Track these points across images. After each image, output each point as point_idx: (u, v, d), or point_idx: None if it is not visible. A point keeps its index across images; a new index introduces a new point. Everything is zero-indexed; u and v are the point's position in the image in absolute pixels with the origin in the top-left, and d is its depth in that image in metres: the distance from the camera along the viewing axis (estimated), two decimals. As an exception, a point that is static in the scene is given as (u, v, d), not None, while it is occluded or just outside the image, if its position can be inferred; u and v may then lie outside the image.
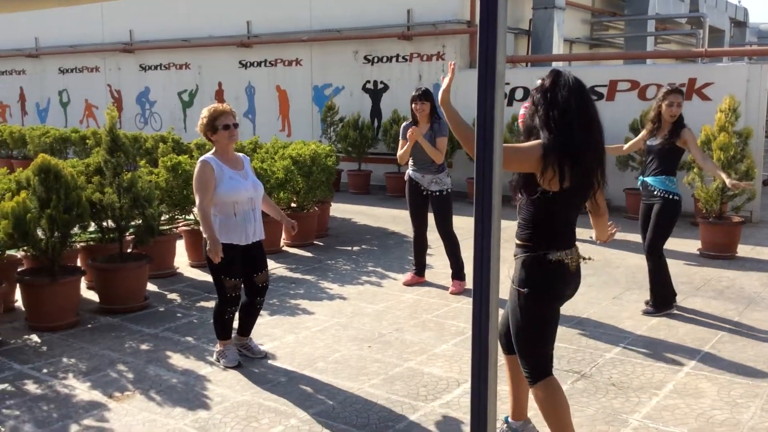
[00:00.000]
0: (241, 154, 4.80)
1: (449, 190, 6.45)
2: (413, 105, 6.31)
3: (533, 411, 4.01)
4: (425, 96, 6.30)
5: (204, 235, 4.43)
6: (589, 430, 3.73)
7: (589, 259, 3.34)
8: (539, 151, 2.94)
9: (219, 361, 4.75)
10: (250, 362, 4.78)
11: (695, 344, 5.04)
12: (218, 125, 4.51)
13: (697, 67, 10.92)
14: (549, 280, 3.10)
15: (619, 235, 5.58)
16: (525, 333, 3.16)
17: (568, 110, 2.95)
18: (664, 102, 5.58)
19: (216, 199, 4.48)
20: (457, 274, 6.49)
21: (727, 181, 5.64)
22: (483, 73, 1.66)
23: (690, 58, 13.58)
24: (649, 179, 5.68)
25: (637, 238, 6.98)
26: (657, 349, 4.94)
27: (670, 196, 5.58)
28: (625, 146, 6.29)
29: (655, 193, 5.62)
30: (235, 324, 4.86)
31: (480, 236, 1.67)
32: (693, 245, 7.97)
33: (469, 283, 6.27)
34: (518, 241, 3.19)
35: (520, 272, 3.15)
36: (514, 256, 3.22)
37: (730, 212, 8.28)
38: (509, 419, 3.63)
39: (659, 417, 3.93)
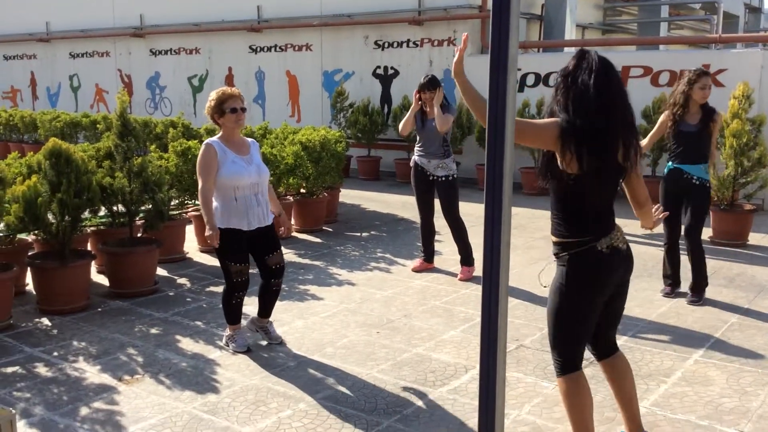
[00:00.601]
0: (249, 140, 4.79)
1: (455, 176, 6.44)
2: (422, 94, 6.25)
3: (540, 398, 4.00)
4: (433, 84, 6.24)
5: (204, 219, 4.46)
6: (597, 417, 3.71)
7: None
8: (556, 130, 2.87)
9: (228, 346, 4.77)
10: (259, 347, 4.80)
11: (705, 332, 5.02)
12: (225, 108, 4.51)
13: (710, 53, 10.82)
14: (599, 273, 3.00)
15: (629, 223, 5.55)
16: (558, 323, 3.07)
17: (588, 92, 2.86)
18: (696, 85, 5.50)
19: (217, 182, 4.48)
20: (466, 260, 6.48)
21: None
22: (496, 56, 1.64)
23: (703, 44, 13.45)
24: (685, 167, 5.55)
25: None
26: (666, 337, 4.93)
27: (708, 184, 5.61)
28: (644, 142, 6.05)
29: (694, 180, 5.53)
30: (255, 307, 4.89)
31: (490, 222, 1.66)
32: (704, 233, 7.89)
33: (479, 269, 6.26)
34: (555, 239, 3.06)
35: (565, 269, 3.01)
36: (556, 256, 3.09)
37: (741, 200, 8.21)
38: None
39: (667, 404, 3.92)
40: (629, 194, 3.22)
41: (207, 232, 4.38)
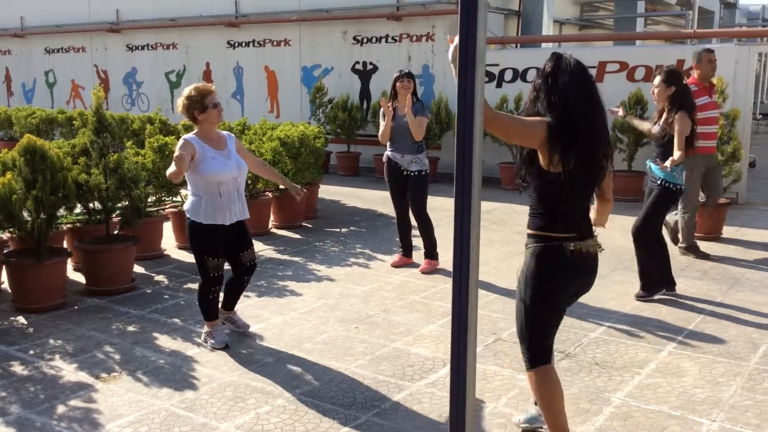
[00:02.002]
0: (225, 132, 4.78)
1: (427, 171, 6.50)
2: (398, 83, 6.31)
3: (516, 390, 4.05)
4: (409, 75, 6.38)
5: (192, 213, 4.49)
6: (572, 409, 3.77)
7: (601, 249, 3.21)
8: (545, 131, 2.90)
9: (206, 342, 4.76)
10: (238, 343, 4.79)
11: (678, 324, 5.10)
12: (208, 103, 4.49)
13: (685, 49, 10.92)
14: (562, 271, 3.05)
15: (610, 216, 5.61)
16: (528, 316, 3.12)
17: (570, 94, 2.91)
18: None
19: (200, 180, 4.47)
20: (430, 253, 6.56)
21: (667, 162, 5.45)
22: (464, 49, 1.66)
23: (679, 39, 13.59)
24: (653, 166, 5.63)
25: (624, 220, 7.05)
26: (640, 329, 4.99)
27: (670, 186, 5.53)
28: (646, 126, 5.92)
29: (658, 181, 5.59)
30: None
31: (460, 214, 1.68)
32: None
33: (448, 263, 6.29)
34: (531, 231, 3.13)
35: (532, 261, 3.08)
36: (526, 246, 3.16)
37: (716, 194, 8.32)
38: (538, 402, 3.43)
39: (641, 395, 3.97)
40: (599, 194, 3.30)
41: (176, 153, 4.29)
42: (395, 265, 6.70)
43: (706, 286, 5.98)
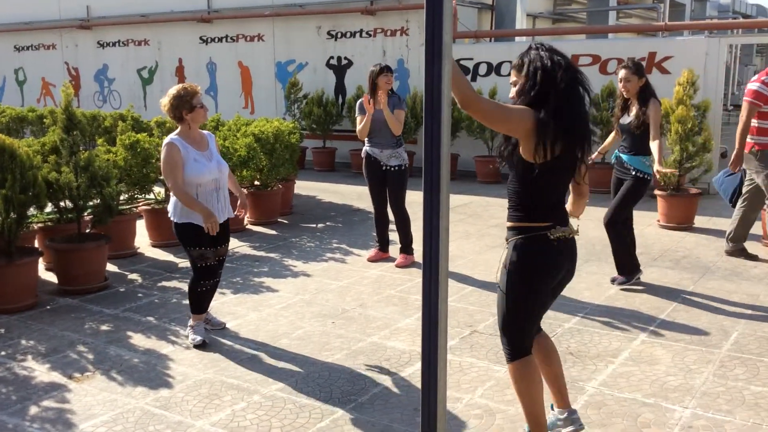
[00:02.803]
0: (206, 132, 4.76)
1: (406, 165, 6.51)
2: (381, 78, 6.27)
3: (492, 381, 4.07)
4: (390, 69, 6.37)
5: (175, 215, 4.50)
6: (546, 398, 3.79)
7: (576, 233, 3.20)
8: (532, 120, 2.87)
9: (188, 337, 4.76)
10: (213, 340, 4.77)
11: (651, 313, 5.16)
12: (196, 104, 4.49)
13: (657, 41, 11.05)
14: (543, 255, 3.04)
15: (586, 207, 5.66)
16: (511, 310, 3.10)
17: (557, 85, 2.90)
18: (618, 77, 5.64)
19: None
20: (405, 248, 6.59)
21: (656, 166, 5.54)
22: (430, 43, 1.66)
23: (651, 32, 13.72)
24: (624, 156, 5.67)
25: (598, 211, 7.10)
26: (614, 319, 5.05)
27: (642, 175, 5.60)
28: (608, 140, 6.11)
29: (631, 170, 5.63)
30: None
31: (429, 207, 1.68)
32: (652, 217, 8.12)
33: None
34: (511, 223, 3.08)
35: (516, 254, 3.04)
36: (507, 240, 3.12)
37: (687, 184, 8.44)
38: (555, 407, 3.44)
39: (615, 384, 4.02)
40: (575, 186, 3.30)
41: (206, 221, 4.37)
42: (371, 260, 6.70)
43: (678, 275, 6.06)
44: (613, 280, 5.83)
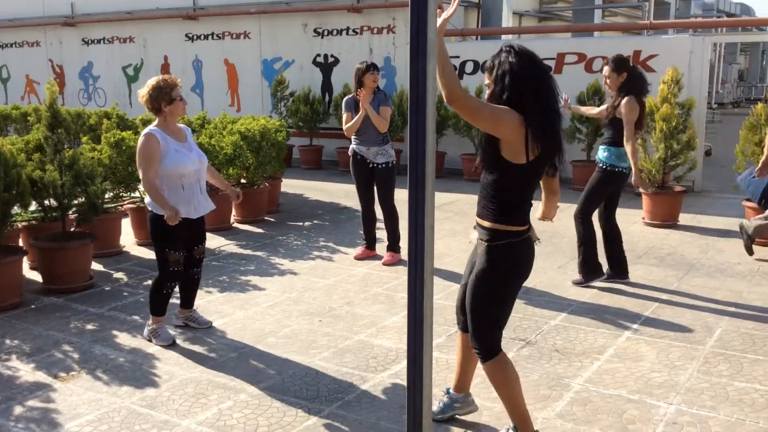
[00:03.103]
0: (182, 125, 4.74)
1: (394, 162, 6.50)
2: (368, 76, 6.25)
3: (479, 379, 4.09)
4: (376, 67, 6.37)
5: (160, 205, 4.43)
6: (533, 395, 3.82)
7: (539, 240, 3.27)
8: (516, 120, 2.88)
9: (151, 341, 4.69)
10: (199, 339, 4.75)
11: (636, 310, 5.20)
12: (175, 96, 4.47)
13: (642, 40, 11.12)
14: (520, 258, 3.09)
15: (566, 206, 5.67)
16: (486, 313, 3.13)
17: (530, 85, 2.92)
18: None
19: (163, 172, 4.44)
20: (393, 246, 6.60)
21: (633, 176, 5.56)
22: (415, 41, 1.66)
23: (636, 30, 13.79)
24: (599, 149, 5.76)
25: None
26: (599, 316, 5.08)
27: (606, 167, 5.60)
28: (596, 110, 6.13)
29: (598, 163, 5.70)
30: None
31: (414, 204, 1.68)
32: (637, 215, 8.17)
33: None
34: (488, 224, 3.06)
35: (494, 256, 3.04)
36: (480, 239, 3.12)
37: (672, 182, 8.50)
38: (451, 390, 3.63)
39: (600, 380, 4.05)
40: (546, 184, 3.36)
41: (167, 213, 4.30)
42: (358, 258, 6.70)
43: (663, 273, 6.10)
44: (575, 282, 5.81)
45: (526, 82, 2.93)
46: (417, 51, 1.63)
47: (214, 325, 4.99)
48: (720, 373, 4.12)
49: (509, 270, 3.09)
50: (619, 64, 5.59)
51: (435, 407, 3.58)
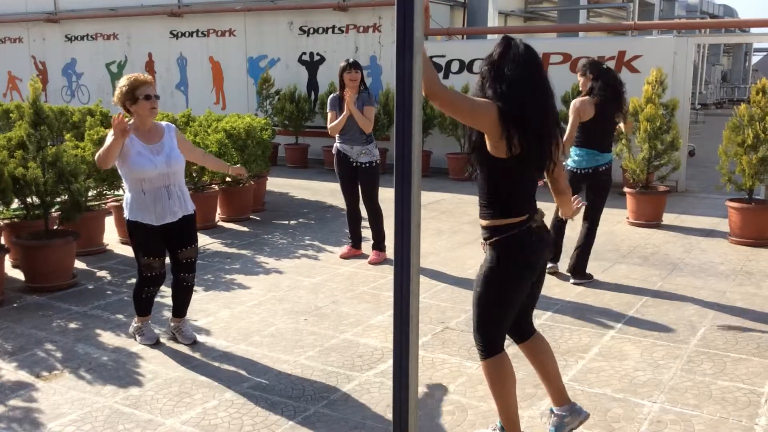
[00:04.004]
0: (164, 123, 4.56)
1: (378, 162, 6.50)
2: (345, 75, 6.25)
3: (465, 377, 4.09)
4: (356, 65, 6.32)
5: (126, 211, 4.39)
6: (518, 393, 3.80)
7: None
8: (494, 112, 2.87)
9: (135, 338, 4.66)
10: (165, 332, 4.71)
11: (620, 309, 5.23)
12: (139, 95, 4.27)
13: (626, 40, 11.18)
14: (524, 249, 3.04)
15: (549, 206, 5.70)
16: (492, 310, 3.10)
17: (517, 80, 2.89)
18: None
19: (125, 174, 4.35)
20: (378, 245, 6.60)
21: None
22: (401, 39, 1.65)
23: (620, 31, 13.87)
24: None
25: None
26: (584, 315, 5.10)
27: (572, 169, 5.69)
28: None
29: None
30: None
31: (400, 203, 1.68)
32: (621, 214, 8.22)
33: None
34: (487, 222, 3.06)
35: (498, 253, 3.02)
36: (484, 240, 3.10)
37: (656, 182, 8.56)
38: (554, 408, 3.39)
39: (585, 379, 4.06)
40: (551, 183, 3.29)
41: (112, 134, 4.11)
42: (344, 257, 6.69)
43: (647, 272, 6.14)
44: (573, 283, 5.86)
45: (511, 79, 2.92)
46: (403, 49, 1.62)
47: (198, 324, 4.96)
48: (703, 371, 4.15)
49: (515, 264, 3.04)
50: (587, 67, 5.67)
51: None
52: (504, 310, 3.11)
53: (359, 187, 6.54)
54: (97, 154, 4.25)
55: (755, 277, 6.04)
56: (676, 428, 3.50)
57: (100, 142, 6.87)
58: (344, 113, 6.23)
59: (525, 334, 3.35)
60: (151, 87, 4.36)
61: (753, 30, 14.52)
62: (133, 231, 4.39)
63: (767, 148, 6.98)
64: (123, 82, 4.34)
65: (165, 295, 5.09)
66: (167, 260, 4.56)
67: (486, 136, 2.96)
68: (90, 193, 6.69)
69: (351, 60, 6.38)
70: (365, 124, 6.25)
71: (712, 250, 6.92)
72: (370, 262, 6.48)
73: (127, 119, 4.16)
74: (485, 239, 3.10)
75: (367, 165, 6.42)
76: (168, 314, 5.02)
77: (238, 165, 4.90)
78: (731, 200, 7.29)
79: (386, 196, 6.54)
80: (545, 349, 3.37)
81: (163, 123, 4.57)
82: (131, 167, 4.28)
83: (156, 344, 4.61)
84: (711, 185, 8.72)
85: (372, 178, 6.48)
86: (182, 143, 4.60)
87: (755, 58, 37.80)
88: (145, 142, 4.35)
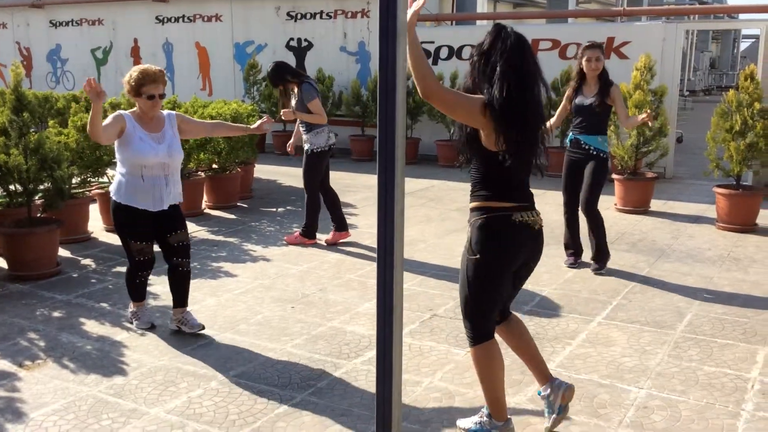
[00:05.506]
0: (166, 112, 4.55)
1: (314, 150, 6.52)
2: (287, 86, 6.58)
3: (452, 365, 4.08)
4: (277, 77, 6.64)
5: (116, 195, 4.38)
6: (505, 380, 3.81)
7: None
8: (488, 111, 2.86)
9: (132, 323, 4.68)
10: (169, 326, 4.67)
11: (608, 295, 5.23)
12: (143, 92, 4.28)
13: (615, 26, 11.15)
14: (510, 241, 3.02)
15: (538, 192, 5.68)
16: (478, 294, 3.08)
17: (508, 68, 2.86)
18: (583, 58, 5.64)
19: (124, 158, 4.33)
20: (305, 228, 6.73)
21: (640, 117, 5.71)
22: (384, 22, 1.61)
23: (609, 17, 13.83)
24: (582, 137, 5.70)
25: (556, 195, 7.14)
26: (572, 301, 5.10)
27: (603, 155, 5.67)
28: (552, 121, 5.86)
29: (591, 151, 5.66)
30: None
31: (384, 189, 1.64)
32: (609, 201, 8.21)
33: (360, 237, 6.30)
34: (475, 204, 3.07)
35: (478, 234, 3.02)
36: (469, 222, 3.11)
37: (644, 168, 8.56)
38: (540, 391, 3.39)
39: (572, 365, 4.06)
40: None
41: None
42: (330, 243, 6.66)
43: (634, 258, 6.15)
44: (595, 269, 5.81)
45: (499, 68, 2.88)
46: (387, 33, 1.58)
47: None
48: (690, 357, 4.15)
49: (494, 248, 3.02)
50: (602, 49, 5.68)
51: (545, 424, 3.37)
52: (487, 295, 3.10)
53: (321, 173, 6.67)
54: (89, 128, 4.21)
55: (742, 262, 6.06)
56: (662, 414, 3.50)
57: (84, 128, 6.78)
58: (295, 129, 6.69)
59: (503, 315, 3.33)
60: (158, 86, 4.33)
61: (741, 16, 14.52)
62: (122, 215, 4.37)
63: (755, 134, 6.99)
64: (134, 74, 4.31)
65: (151, 282, 5.04)
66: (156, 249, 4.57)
67: (481, 130, 2.95)
68: (74, 181, 6.62)
69: (272, 66, 6.66)
70: (315, 119, 6.40)
71: (700, 236, 6.94)
72: (326, 242, 6.66)
73: (96, 83, 4.07)
74: (469, 221, 3.11)
75: (307, 152, 6.54)
76: (152, 302, 4.98)
77: (262, 121, 4.87)
78: (719, 186, 7.30)
79: (372, 183, 6.53)
80: (524, 329, 3.39)
81: (165, 112, 4.54)
82: (133, 153, 4.29)
83: (151, 327, 4.62)
84: (699, 171, 8.74)
85: (306, 165, 6.57)
86: (187, 124, 4.64)
87: (743, 45, 37.94)
88: (148, 130, 4.38)
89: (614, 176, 8.13)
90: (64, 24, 15.47)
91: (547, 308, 4.96)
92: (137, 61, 14.27)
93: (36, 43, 15.97)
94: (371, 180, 6.57)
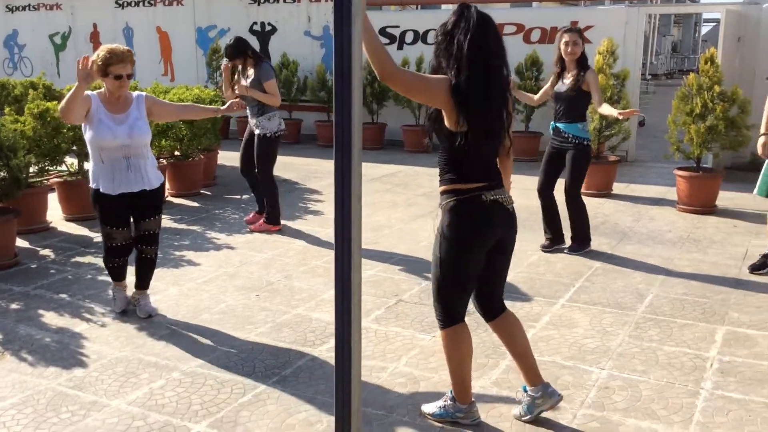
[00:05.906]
0: (135, 93, 4.49)
1: (267, 135, 6.46)
2: (245, 63, 6.43)
3: (417, 350, 4.08)
4: (237, 51, 6.47)
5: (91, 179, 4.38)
6: (512, 380, 3.83)
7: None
8: (446, 87, 2.84)
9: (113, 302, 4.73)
10: (130, 317, 4.60)
11: (571, 278, 5.28)
12: (110, 72, 4.22)
13: (579, 10, 11.23)
14: (481, 220, 3.00)
15: (515, 177, 5.70)
16: (447, 276, 3.07)
17: (471, 48, 2.84)
18: (561, 42, 5.62)
19: (87, 142, 4.32)
20: (267, 215, 6.68)
21: (616, 112, 5.69)
22: (339, 3, 1.58)
23: (573, 1, 13.91)
24: (561, 125, 5.71)
25: (526, 180, 7.18)
26: (535, 285, 5.14)
27: (584, 142, 5.69)
28: (536, 97, 6.07)
29: (570, 139, 5.68)
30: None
31: (340, 175, 1.61)
32: (573, 184, 8.28)
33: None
34: (444, 187, 3.05)
35: (449, 217, 3.01)
36: (439, 205, 3.09)
37: (606, 152, 8.65)
38: (527, 387, 3.32)
39: (535, 348, 4.06)
40: (501, 156, 3.21)
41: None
42: (249, 222, 6.77)
43: (597, 240, 6.21)
44: (570, 249, 5.89)
45: (463, 48, 2.86)
46: (341, 15, 1.55)
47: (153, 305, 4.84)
48: (650, 338, 4.22)
49: (464, 229, 3.01)
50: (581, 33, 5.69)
51: (516, 411, 3.33)
52: (457, 278, 3.08)
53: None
54: (60, 105, 4.13)
55: (702, 243, 6.16)
56: (623, 394, 3.55)
57: (41, 116, 6.62)
58: (224, 78, 6.51)
59: (494, 311, 3.31)
60: (126, 66, 4.26)
61: (702, 0, 14.72)
62: (95, 199, 4.39)
63: (715, 117, 7.09)
64: (101, 53, 4.24)
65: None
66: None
67: (443, 111, 2.93)
68: (31, 169, 6.46)
69: (232, 41, 6.56)
70: (272, 101, 6.31)
71: (661, 218, 7.04)
72: (252, 229, 6.63)
73: (91, 61, 4.05)
74: (439, 205, 3.10)
75: (259, 137, 6.46)
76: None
77: (232, 102, 4.83)
78: (679, 169, 7.40)
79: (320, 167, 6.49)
80: (516, 328, 3.33)
81: (135, 93, 4.48)
82: (92, 135, 4.26)
83: (122, 313, 4.61)
84: (660, 154, 8.85)
85: (259, 150, 6.49)
86: (157, 107, 4.58)
87: (705, 29, 38.48)
88: (111, 111, 4.31)
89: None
90: (21, 9, 15.06)
91: (512, 292, 4.99)
92: (97, 46, 13.95)
93: (-9, 28, 15.53)
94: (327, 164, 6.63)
